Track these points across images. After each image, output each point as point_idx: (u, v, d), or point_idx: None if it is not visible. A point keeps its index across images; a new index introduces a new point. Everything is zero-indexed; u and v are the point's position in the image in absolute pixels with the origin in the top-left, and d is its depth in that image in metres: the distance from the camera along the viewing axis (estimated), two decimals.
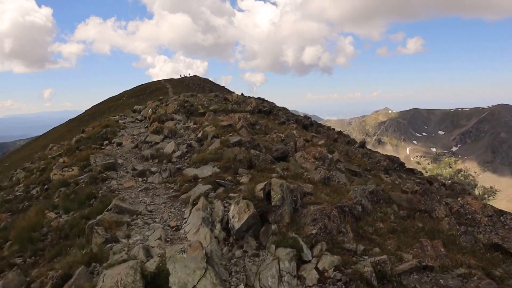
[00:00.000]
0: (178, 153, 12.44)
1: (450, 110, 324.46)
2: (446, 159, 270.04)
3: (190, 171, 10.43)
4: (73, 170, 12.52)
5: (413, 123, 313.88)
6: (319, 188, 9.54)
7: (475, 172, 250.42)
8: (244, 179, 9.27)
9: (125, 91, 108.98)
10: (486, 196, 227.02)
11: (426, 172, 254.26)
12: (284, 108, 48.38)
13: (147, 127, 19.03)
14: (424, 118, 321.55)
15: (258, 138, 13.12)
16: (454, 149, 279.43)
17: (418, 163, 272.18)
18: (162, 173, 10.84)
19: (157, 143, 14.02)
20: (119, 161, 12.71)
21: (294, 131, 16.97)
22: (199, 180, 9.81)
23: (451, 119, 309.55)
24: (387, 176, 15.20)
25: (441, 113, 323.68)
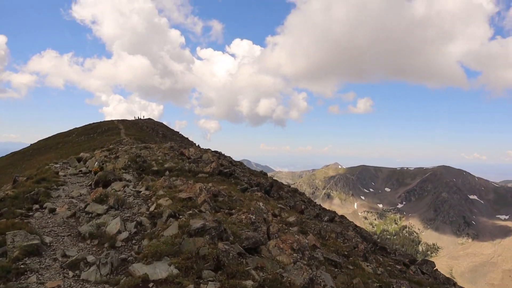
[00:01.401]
0: (124, 234, 9.90)
1: (396, 168, 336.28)
2: (392, 215, 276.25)
3: (139, 269, 7.94)
4: None
5: (361, 179, 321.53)
6: None
7: (418, 229, 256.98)
8: None
9: (76, 128, 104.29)
10: (429, 253, 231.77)
11: (373, 227, 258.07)
12: (241, 164, 46.54)
13: (90, 185, 16.29)
14: (371, 175, 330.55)
15: (224, 220, 10.85)
16: (399, 206, 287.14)
17: (365, 218, 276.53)
18: (101, 267, 8.27)
19: (99, 215, 11.40)
20: (47, 239, 9.97)
21: (261, 203, 14.82)
22: (151, 285, 7.37)
23: (397, 177, 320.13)
24: (367, 264, 13.27)
25: (387, 171, 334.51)
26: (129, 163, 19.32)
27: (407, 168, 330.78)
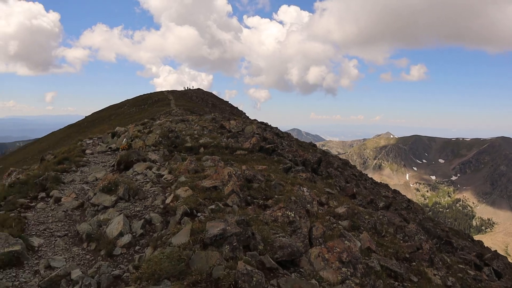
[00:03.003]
0: (126, 238, 7.71)
1: (451, 139, 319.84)
2: (445, 188, 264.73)
3: None
4: None
5: (414, 149, 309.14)
6: None
7: (473, 202, 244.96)
8: None
9: (128, 99, 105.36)
10: (483, 228, 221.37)
11: (425, 199, 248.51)
12: (289, 135, 43.81)
13: (113, 166, 14.33)
14: (425, 145, 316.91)
15: (254, 218, 8.41)
16: (453, 178, 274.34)
17: (417, 189, 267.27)
18: None
19: (106, 208, 9.31)
20: (37, 241, 7.97)
21: (305, 189, 12.21)
22: None
23: (452, 148, 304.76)
24: (435, 272, 10.47)
25: (442, 141, 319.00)
26: (160, 139, 17.23)
27: (463, 138, 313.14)
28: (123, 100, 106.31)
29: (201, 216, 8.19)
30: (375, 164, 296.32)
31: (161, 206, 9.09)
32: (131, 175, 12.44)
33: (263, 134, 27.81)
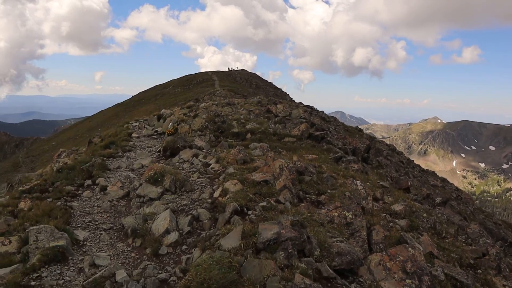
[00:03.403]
0: (173, 236, 7.20)
1: (504, 125, 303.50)
2: (494, 176, 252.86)
3: None
4: (10, 243, 7.65)
5: (462, 135, 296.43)
6: None
7: None
8: None
9: (173, 80, 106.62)
10: None
11: (472, 187, 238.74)
12: (335, 120, 42.53)
13: (159, 151, 13.97)
14: (475, 131, 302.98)
15: (308, 218, 7.69)
16: (504, 166, 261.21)
17: (464, 177, 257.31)
18: None
19: (151, 200, 8.88)
20: (82, 235, 7.64)
21: (358, 183, 11.34)
22: None
23: (505, 135, 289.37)
24: (504, 283, 9.42)
25: (494, 128, 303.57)
26: (206, 123, 16.73)
27: None
28: (169, 80, 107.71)
29: (252, 215, 7.56)
30: (421, 149, 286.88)
31: (209, 200, 8.53)
32: (177, 163, 12.00)
33: (309, 119, 26.89)
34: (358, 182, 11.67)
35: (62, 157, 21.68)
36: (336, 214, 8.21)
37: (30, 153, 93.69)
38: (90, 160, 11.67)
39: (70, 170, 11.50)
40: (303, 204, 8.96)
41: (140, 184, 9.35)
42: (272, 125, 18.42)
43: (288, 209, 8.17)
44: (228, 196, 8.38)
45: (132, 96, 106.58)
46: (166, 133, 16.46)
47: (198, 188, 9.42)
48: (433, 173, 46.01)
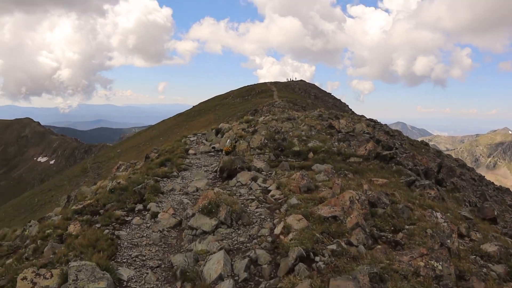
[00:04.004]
0: (227, 284, 6.10)
1: None
2: None
3: None
4: (52, 277, 6.96)
5: None
6: None
7: None
8: None
9: (232, 90, 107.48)
10: None
11: None
12: (400, 133, 40.12)
13: (215, 172, 13.08)
14: None
15: (387, 271, 6.33)
16: None
17: None
18: None
19: (205, 233, 7.89)
20: (126, 273, 6.76)
21: (438, 215, 9.73)
22: None
23: None
24: None
25: None
26: (266, 141, 15.69)
27: None
28: (228, 91, 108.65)
29: (319, 262, 6.31)
30: (489, 162, 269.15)
31: (269, 238, 7.38)
32: (234, 187, 11.01)
33: (374, 134, 25.13)
34: (438, 214, 10.05)
35: (120, 170, 21.56)
36: (422, 263, 6.75)
37: (97, 159, 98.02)
38: (143, 181, 10.97)
39: (123, 191, 10.86)
40: (379, 246, 7.57)
41: (193, 214, 8.39)
42: (336, 143, 17.02)
43: (363, 254, 6.84)
44: (291, 234, 7.19)
45: (193, 106, 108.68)
46: (223, 151, 15.61)
47: (256, 221, 8.31)
48: (507, 191, 41.98)
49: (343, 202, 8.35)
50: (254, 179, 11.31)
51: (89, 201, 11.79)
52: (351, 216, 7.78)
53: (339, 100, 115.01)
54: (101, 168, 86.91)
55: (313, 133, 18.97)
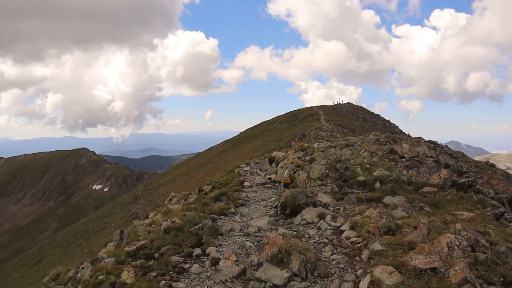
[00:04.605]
0: None
1: None
2: None
3: None
4: None
5: None
6: None
7: None
8: None
9: (278, 116, 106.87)
10: None
11: None
12: (463, 155, 37.38)
13: (276, 207, 11.87)
14: None
15: None
16: None
17: None
18: None
19: (275, 287, 6.71)
20: None
21: None
22: None
23: None
24: None
25: None
26: (327, 171, 14.36)
27: None
28: (274, 116, 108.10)
29: None
30: None
31: None
32: (300, 226, 9.76)
33: (438, 157, 23.13)
34: None
35: (173, 202, 20.84)
36: None
37: (148, 186, 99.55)
38: (200, 220, 9.95)
39: (178, 231, 9.87)
40: None
41: (260, 263, 7.20)
42: (404, 170, 15.41)
43: None
44: None
45: (240, 133, 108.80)
46: (281, 182, 14.44)
47: (335, 272, 6.99)
48: None
49: (440, 248, 6.89)
50: (322, 216, 10.02)
51: (142, 241, 10.92)
52: (456, 268, 6.30)
53: (388, 121, 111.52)
54: (152, 195, 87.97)
55: (375, 159, 17.43)
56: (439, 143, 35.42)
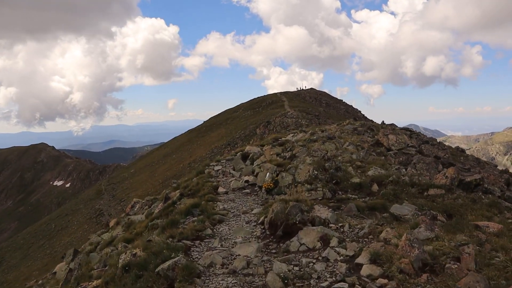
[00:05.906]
0: None
1: None
2: None
3: None
4: None
5: None
6: None
7: None
8: None
9: (242, 103, 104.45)
10: None
11: None
12: (439, 143, 36.22)
13: (262, 226, 9.45)
14: None
15: None
16: None
17: None
18: None
19: None
20: None
21: None
22: None
23: None
24: None
25: None
26: (315, 172, 12.05)
27: None
28: (238, 103, 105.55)
29: None
30: (507, 160, 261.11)
31: None
32: (300, 255, 7.36)
33: (420, 148, 21.42)
34: None
35: (135, 209, 18.06)
36: None
37: (111, 181, 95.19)
38: (169, 254, 7.36)
39: (141, 269, 7.25)
40: None
41: None
42: (402, 169, 13.32)
43: None
44: None
45: (204, 122, 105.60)
46: (263, 188, 12.02)
47: None
48: None
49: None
50: (324, 239, 7.67)
51: (95, 281, 8.28)
52: None
53: (351, 106, 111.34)
54: (116, 190, 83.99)
55: (364, 154, 15.30)
56: (410, 129, 33.94)
